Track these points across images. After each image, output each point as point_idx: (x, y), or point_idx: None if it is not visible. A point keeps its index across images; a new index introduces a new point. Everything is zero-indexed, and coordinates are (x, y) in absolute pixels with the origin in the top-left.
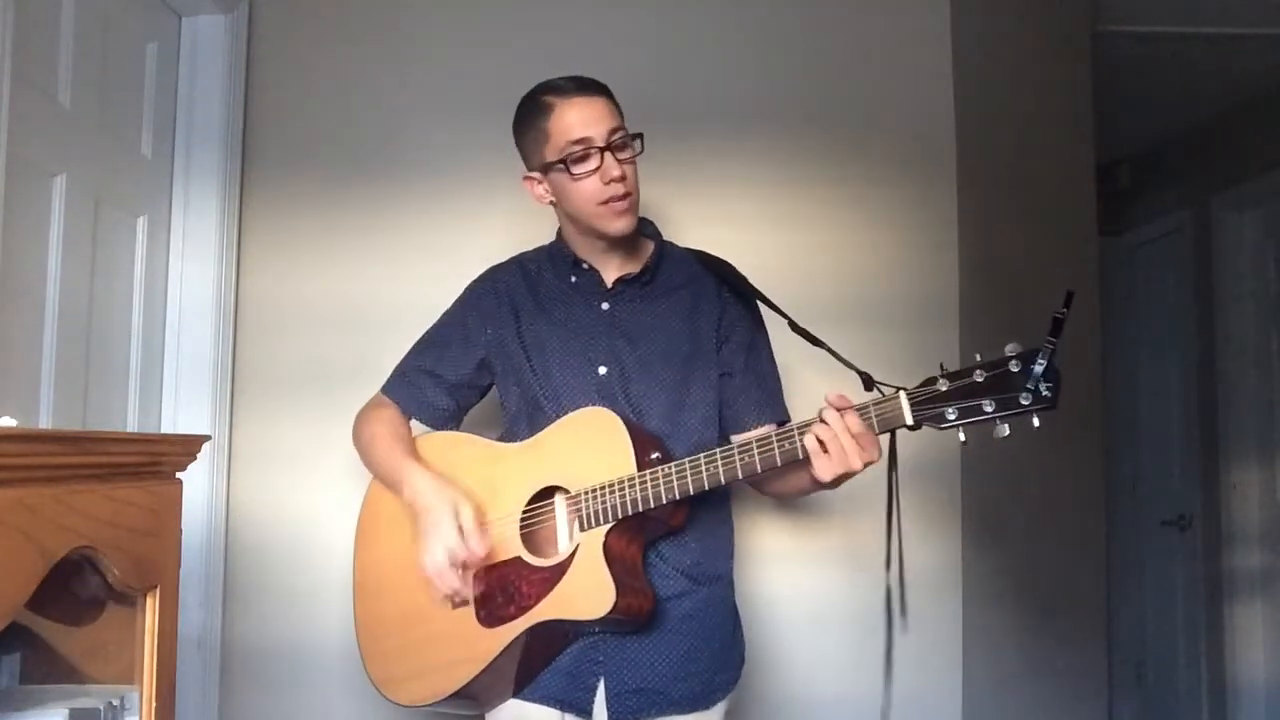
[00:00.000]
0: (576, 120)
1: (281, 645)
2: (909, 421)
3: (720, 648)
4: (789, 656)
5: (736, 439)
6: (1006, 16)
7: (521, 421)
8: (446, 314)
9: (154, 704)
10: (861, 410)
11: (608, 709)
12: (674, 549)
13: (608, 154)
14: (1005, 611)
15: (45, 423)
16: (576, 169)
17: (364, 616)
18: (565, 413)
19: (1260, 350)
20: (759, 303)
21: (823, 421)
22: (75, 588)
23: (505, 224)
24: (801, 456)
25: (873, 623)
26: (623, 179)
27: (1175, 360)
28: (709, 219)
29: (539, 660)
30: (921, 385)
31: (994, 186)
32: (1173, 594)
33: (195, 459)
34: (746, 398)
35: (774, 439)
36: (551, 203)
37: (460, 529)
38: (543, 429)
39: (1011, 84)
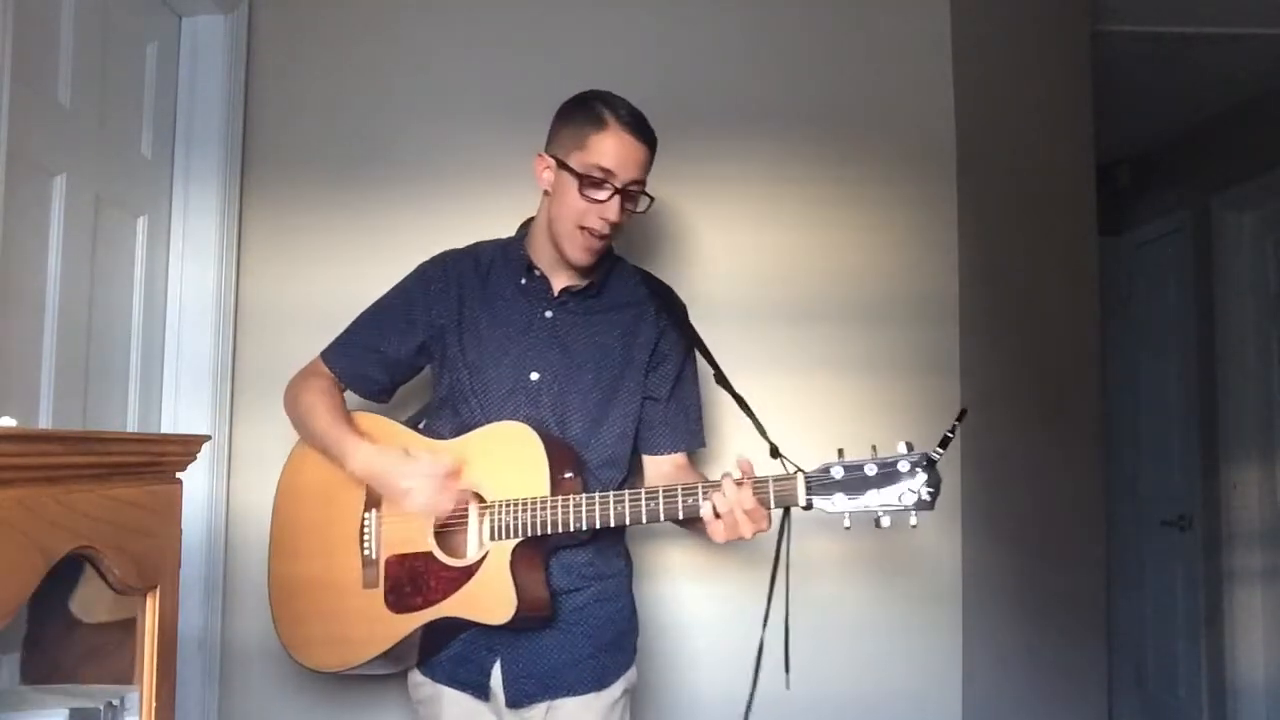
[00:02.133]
0: (615, 153)
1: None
2: (801, 502)
3: (612, 639)
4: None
5: (648, 460)
6: (1006, 16)
7: (446, 409)
8: (395, 289)
9: (154, 704)
10: (759, 486)
11: (505, 692)
12: (570, 549)
13: (619, 196)
14: (1005, 611)
15: (45, 423)
16: (588, 191)
17: (278, 577)
18: (490, 410)
19: (1260, 350)
20: (697, 345)
21: (722, 492)
22: (75, 588)
23: (505, 224)
24: (699, 516)
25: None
26: (615, 224)
27: (1175, 360)
28: (708, 219)
29: (441, 641)
30: (818, 470)
31: (994, 186)
32: (1173, 594)
33: (195, 459)
34: (666, 425)
35: (680, 493)
36: (546, 191)
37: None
38: (465, 420)
39: (1011, 84)
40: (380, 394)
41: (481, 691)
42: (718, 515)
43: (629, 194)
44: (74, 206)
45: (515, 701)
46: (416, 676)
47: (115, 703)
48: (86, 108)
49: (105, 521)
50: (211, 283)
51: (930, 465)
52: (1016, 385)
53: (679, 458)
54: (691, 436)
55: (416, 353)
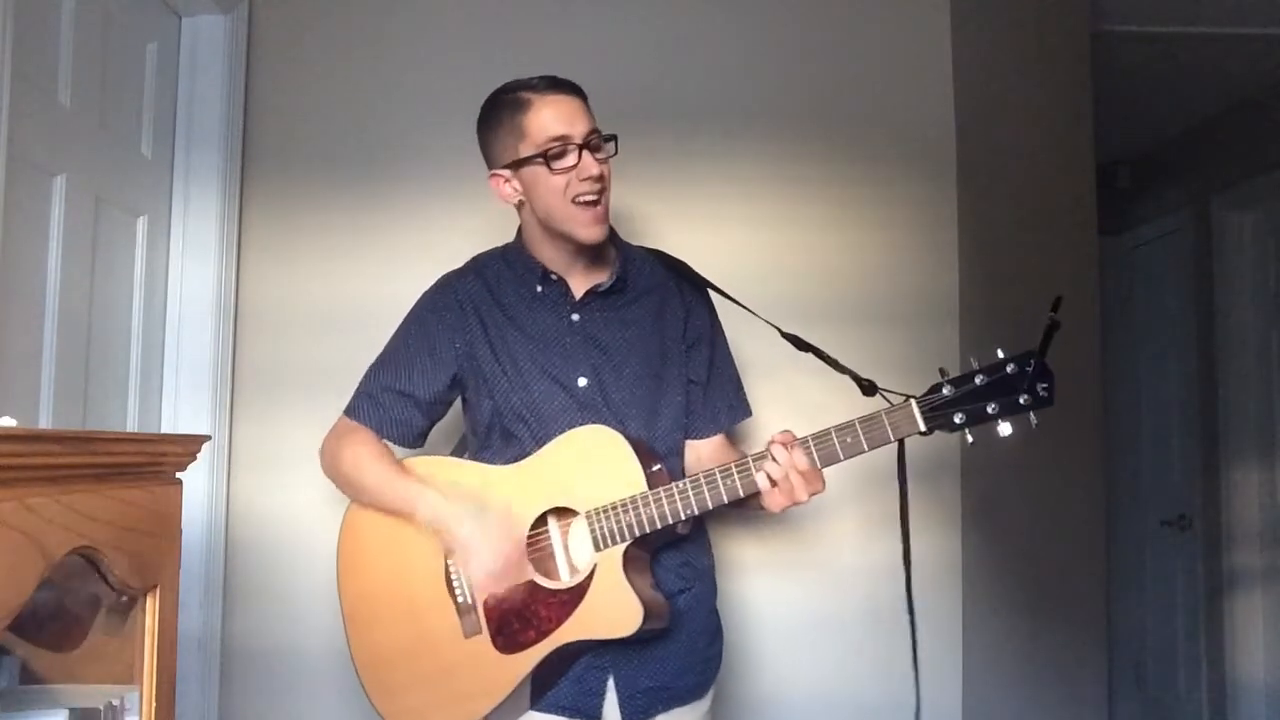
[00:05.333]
0: (555, 117)
1: (281, 645)
2: (922, 428)
3: (709, 639)
4: (783, 660)
5: (689, 444)
6: (1006, 16)
7: (495, 435)
8: (407, 328)
9: (154, 704)
10: (804, 445)
11: (620, 710)
12: (665, 550)
13: (585, 152)
14: (1005, 611)
15: (45, 423)
16: (556, 164)
17: (361, 650)
18: (545, 425)
19: (1260, 350)
20: (745, 310)
21: (773, 459)
22: (75, 588)
23: (505, 225)
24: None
25: (866, 627)
26: (600, 178)
27: (1175, 360)
28: (708, 219)
29: (554, 677)
30: (928, 393)
31: (994, 186)
32: (1173, 594)
33: (195, 459)
34: (707, 410)
35: (734, 470)
36: (519, 202)
37: (492, 523)
38: (521, 439)
39: (1011, 84)
40: (418, 439)
41: (594, 714)
42: (774, 484)
43: (594, 145)
44: (74, 206)
45: (631, 718)
46: None
47: (115, 703)
48: (86, 108)
49: (105, 521)
50: (211, 283)
51: (1038, 362)
52: None
53: (717, 439)
54: (735, 411)
55: (449, 387)
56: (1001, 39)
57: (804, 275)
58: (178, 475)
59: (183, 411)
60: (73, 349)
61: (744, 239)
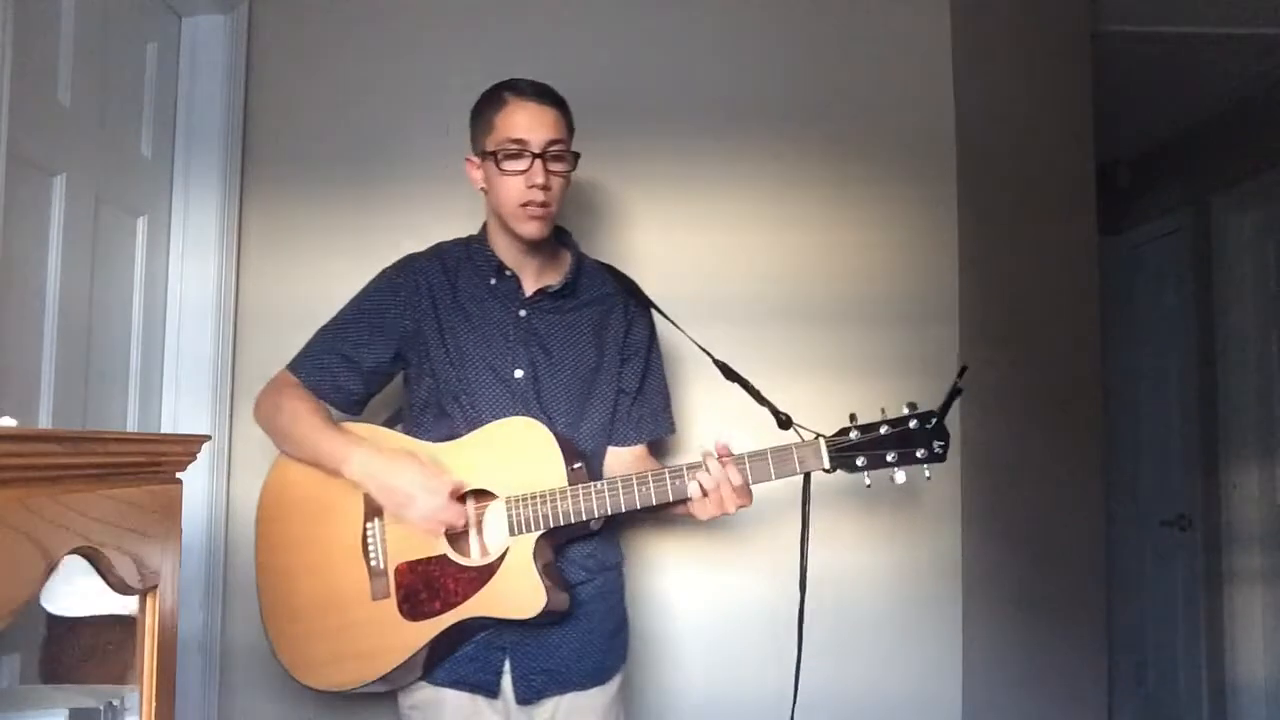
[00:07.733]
0: (521, 122)
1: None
2: (826, 465)
3: (613, 630)
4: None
5: (611, 451)
6: (1006, 16)
7: (429, 413)
8: (362, 299)
9: (154, 704)
10: (738, 462)
11: (514, 689)
12: (574, 543)
13: (538, 161)
14: (1005, 611)
15: (45, 423)
16: (505, 165)
17: (271, 597)
18: (479, 410)
19: (1260, 350)
20: (682, 331)
21: (706, 470)
22: (75, 588)
23: None
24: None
25: (870, 626)
26: (545, 188)
27: (1175, 360)
28: (707, 220)
29: (451, 648)
30: (837, 434)
31: (994, 186)
32: (1173, 594)
33: (195, 459)
34: (634, 418)
35: (668, 476)
36: (483, 189)
37: (428, 470)
38: (455, 420)
39: (1011, 84)
40: (355, 405)
41: (491, 691)
42: (705, 493)
43: (551, 156)
44: (74, 206)
45: (525, 698)
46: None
47: (115, 703)
48: (86, 108)
49: (105, 521)
50: (211, 283)
51: (938, 422)
52: (1016, 385)
53: (639, 449)
54: (659, 424)
55: (392, 360)
56: (1001, 39)
57: (803, 275)
58: (178, 475)
59: (183, 411)
60: (73, 349)
61: (742, 241)
